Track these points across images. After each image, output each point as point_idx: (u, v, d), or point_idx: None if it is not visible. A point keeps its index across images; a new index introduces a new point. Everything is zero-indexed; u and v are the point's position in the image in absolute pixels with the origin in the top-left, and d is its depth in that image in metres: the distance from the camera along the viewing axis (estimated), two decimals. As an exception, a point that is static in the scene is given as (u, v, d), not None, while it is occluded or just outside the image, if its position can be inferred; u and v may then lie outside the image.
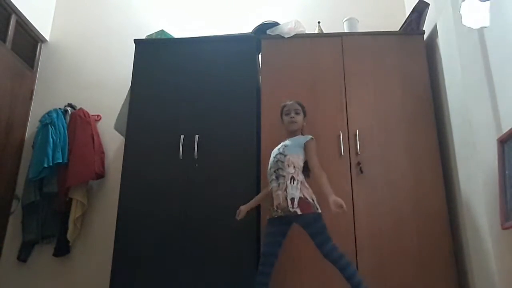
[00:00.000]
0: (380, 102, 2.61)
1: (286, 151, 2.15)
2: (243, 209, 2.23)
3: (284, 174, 2.08)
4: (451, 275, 2.28)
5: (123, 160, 2.58)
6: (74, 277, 2.98)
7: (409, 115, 2.58)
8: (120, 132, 3.03)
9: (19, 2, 3.16)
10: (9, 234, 3.07)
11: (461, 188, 2.31)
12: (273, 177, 2.13)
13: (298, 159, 2.13)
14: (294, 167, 2.10)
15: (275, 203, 2.07)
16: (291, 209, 1.99)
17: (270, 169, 2.18)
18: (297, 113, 2.27)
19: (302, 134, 2.30)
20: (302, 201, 2.01)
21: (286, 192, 2.03)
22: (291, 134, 2.27)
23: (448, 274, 2.28)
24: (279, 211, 2.04)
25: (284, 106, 2.32)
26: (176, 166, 2.53)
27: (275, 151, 2.22)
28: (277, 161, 2.14)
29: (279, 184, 2.08)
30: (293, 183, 2.05)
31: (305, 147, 2.16)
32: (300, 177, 2.09)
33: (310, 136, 2.22)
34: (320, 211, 2.04)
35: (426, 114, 2.57)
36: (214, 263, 2.36)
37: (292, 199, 2.00)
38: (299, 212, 1.99)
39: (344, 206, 1.91)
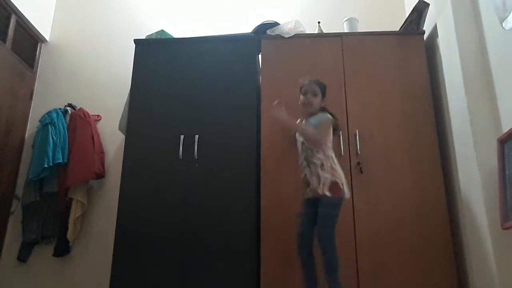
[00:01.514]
0: (380, 102, 2.61)
1: None
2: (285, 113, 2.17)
3: (315, 160, 2.12)
4: (451, 275, 2.28)
5: (123, 160, 2.58)
6: (74, 277, 2.98)
7: (409, 115, 2.58)
8: (124, 133, 3.02)
9: (19, 2, 3.16)
10: (9, 234, 3.07)
11: (461, 188, 2.31)
12: (305, 164, 2.17)
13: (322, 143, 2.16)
14: (324, 154, 2.12)
15: (310, 185, 2.12)
16: (320, 192, 2.05)
17: (300, 156, 2.20)
18: (314, 95, 2.21)
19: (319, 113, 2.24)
20: (334, 184, 2.07)
21: (319, 177, 2.08)
22: (306, 113, 2.25)
23: (448, 274, 2.28)
24: (310, 193, 2.11)
25: (303, 85, 2.26)
26: (176, 166, 2.53)
27: (298, 137, 2.23)
28: (305, 149, 2.17)
29: (311, 171, 2.12)
30: (323, 169, 2.09)
31: (320, 127, 2.16)
32: (330, 161, 2.12)
33: (327, 116, 2.19)
34: (348, 196, 2.12)
35: (426, 114, 2.57)
36: (214, 263, 2.36)
37: (324, 183, 2.06)
38: (328, 194, 2.03)
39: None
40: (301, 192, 2.21)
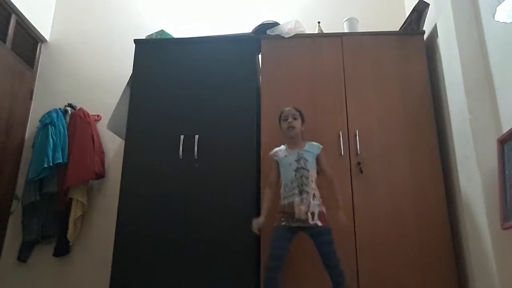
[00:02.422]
0: (380, 102, 2.61)
1: (308, 166, 2.17)
2: (262, 221, 2.17)
3: (308, 190, 2.12)
4: (451, 275, 2.28)
5: (123, 160, 2.58)
6: (74, 277, 2.98)
7: (409, 115, 2.57)
8: (114, 132, 3.03)
9: (19, 2, 3.16)
10: (9, 234, 3.07)
11: (461, 188, 2.31)
12: (296, 191, 2.13)
13: (315, 172, 2.21)
14: (315, 180, 2.17)
15: (296, 214, 2.08)
16: (311, 222, 2.06)
17: (292, 183, 2.15)
18: (294, 119, 2.27)
19: (302, 139, 2.31)
20: (322, 214, 2.11)
21: (309, 207, 2.08)
22: (290, 139, 2.28)
23: (448, 274, 2.28)
24: (298, 222, 2.08)
25: (282, 112, 2.33)
26: (176, 166, 2.53)
27: (292, 163, 2.18)
28: (301, 177, 2.15)
29: (302, 200, 2.10)
30: (315, 200, 2.12)
31: (319, 157, 2.24)
32: (318, 191, 2.17)
33: (320, 146, 2.28)
34: (344, 220, 2.15)
35: (426, 114, 2.57)
36: (214, 263, 2.36)
37: (313, 213, 2.08)
38: (319, 224, 2.06)
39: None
40: (282, 218, 2.13)
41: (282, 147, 2.30)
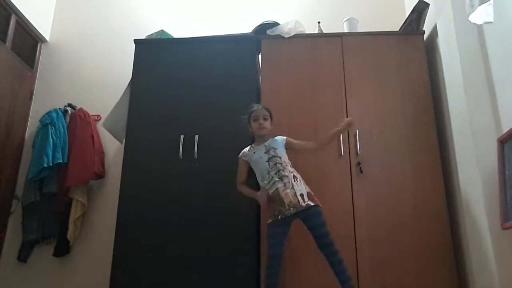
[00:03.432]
0: (380, 102, 2.61)
1: (279, 153, 2.22)
2: (259, 193, 2.21)
3: (286, 173, 2.15)
4: (451, 275, 2.28)
5: (123, 160, 2.58)
6: (74, 277, 2.98)
7: (409, 115, 2.58)
8: (109, 131, 3.02)
9: (19, 2, 3.16)
10: (9, 234, 3.07)
11: (461, 188, 2.31)
12: (276, 178, 2.15)
13: (287, 158, 2.24)
14: (291, 165, 2.22)
15: (286, 201, 2.09)
16: (303, 204, 2.08)
17: (269, 173, 2.18)
18: (265, 119, 2.30)
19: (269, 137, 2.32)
20: (310, 194, 2.14)
21: (294, 189, 2.11)
22: (260, 138, 2.31)
23: (448, 274, 2.28)
24: (291, 208, 2.08)
25: (252, 111, 2.35)
26: (176, 166, 2.53)
27: (262, 156, 2.22)
28: (275, 164, 2.18)
29: (285, 184, 2.12)
30: (297, 180, 2.17)
31: (287, 143, 2.28)
32: (297, 173, 2.21)
33: (283, 137, 2.31)
34: None
35: (426, 114, 2.57)
36: (214, 263, 2.36)
37: (302, 195, 2.11)
38: (312, 204, 2.09)
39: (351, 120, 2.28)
40: (276, 211, 2.11)
41: (247, 147, 2.33)
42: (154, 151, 2.58)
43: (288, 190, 2.11)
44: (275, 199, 2.13)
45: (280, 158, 2.20)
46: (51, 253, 2.98)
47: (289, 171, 2.17)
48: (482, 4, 1.88)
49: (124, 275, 2.37)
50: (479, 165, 2.11)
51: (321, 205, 2.12)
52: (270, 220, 2.14)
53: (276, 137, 2.32)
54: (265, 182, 2.18)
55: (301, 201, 2.09)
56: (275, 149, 2.23)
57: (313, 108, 2.59)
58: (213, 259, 2.36)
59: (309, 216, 2.09)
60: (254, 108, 2.36)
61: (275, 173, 2.16)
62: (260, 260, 2.33)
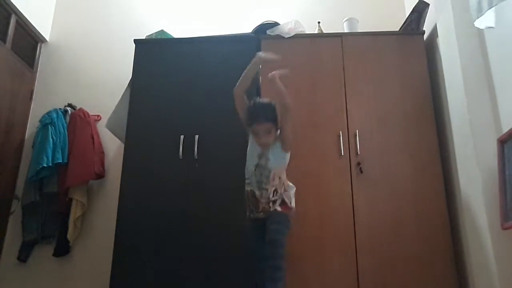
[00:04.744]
0: (380, 102, 2.61)
1: (270, 165, 2.06)
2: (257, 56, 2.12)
3: (267, 187, 2.04)
4: (451, 275, 2.28)
5: (123, 160, 2.58)
6: (74, 277, 2.98)
7: (409, 115, 2.58)
8: (112, 132, 3.02)
9: (19, 2, 3.15)
10: (9, 234, 3.07)
11: (461, 188, 2.31)
12: (255, 185, 2.07)
13: (283, 169, 2.10)
14: (279, 178, 2.06)
15: (260, 206, 2.04)
16: (271, 209, 2.00)
17: (251, 176, 2.08)
18: (269, 133, 2.05)
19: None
20: (284, 204, 2.03)
21: (269, 199, 2.02)
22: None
23: (448, 274, 2.28)
24: (261, 213, 2.03)
25: (250, 116, 2.07)
26: (176, 166, 2.53)
27: (255, 156, 2.09)
28: (261, 174, 2.07)
29: (261, 194, 2.04)
30: (276, 195, 2.03)
31: (283, 143, 2.08)
32: (284, 185, 2.06)
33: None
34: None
35: (426, 114, 2.57)
36: (214, 263, 2.36)
37: (274, 202, 2.01)
38: (279, 209, 2.00)
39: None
40: (249, 208, 2.09)
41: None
42: (154, 151, 2.59)
43: (263, 200, 2.03)
44: (250, 196, 2.08)
45: (269, 171, 2.05)
46: (51, 253, 2.98)
47: (272, 185, 2.02)
48: (490, 8, 1.85)
49: (124, 275, 2.37)
50: (479, 165, 2.11)
51: (289, 215, 2.03)
52: (247, 214, 2.12)
53: (278, 142, 2.10)
54: (247, 176, 2.11)
55: (271, 207, 2.01)
56: (269, 159, 2.06)
57: (313, 108, 2.59)
58: (213, 259, 2.36)
59: (270, 217, 2.00)
60: (253, 114, 2.07)
61: (257, 182, 2.07)
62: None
